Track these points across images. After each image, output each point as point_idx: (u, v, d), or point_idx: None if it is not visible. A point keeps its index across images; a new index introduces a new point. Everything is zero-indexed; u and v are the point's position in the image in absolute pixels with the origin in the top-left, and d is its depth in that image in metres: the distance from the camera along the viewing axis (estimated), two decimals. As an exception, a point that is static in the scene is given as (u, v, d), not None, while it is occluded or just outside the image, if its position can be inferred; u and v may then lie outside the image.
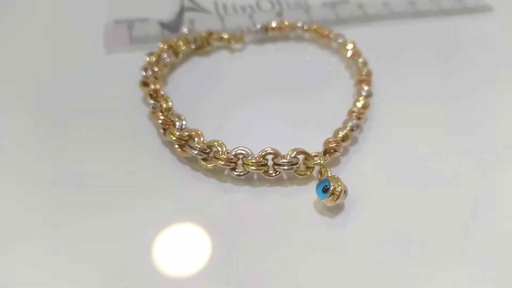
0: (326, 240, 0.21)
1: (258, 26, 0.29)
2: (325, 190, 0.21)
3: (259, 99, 0.27)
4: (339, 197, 0.21)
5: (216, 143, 0.23)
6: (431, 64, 0.29)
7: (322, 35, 0.29)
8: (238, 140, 0.23)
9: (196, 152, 0.22)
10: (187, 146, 0.23)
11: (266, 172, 0.22)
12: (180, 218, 0.22)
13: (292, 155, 0.22)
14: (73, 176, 0.23)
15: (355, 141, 0.25)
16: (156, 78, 0.26)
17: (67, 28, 0.30)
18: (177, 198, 0.22)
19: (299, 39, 0.30)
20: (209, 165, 0.22)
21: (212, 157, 0.22)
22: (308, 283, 0.20)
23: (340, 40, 0.29)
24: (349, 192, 0.22)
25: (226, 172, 0.23)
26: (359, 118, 0.24)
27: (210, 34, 0.28)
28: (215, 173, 0.23)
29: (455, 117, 0.26)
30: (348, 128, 0.24)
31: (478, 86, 0.28)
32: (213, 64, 0.29)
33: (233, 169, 0.22)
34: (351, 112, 0.25)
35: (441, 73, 0.28)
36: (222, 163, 0.22)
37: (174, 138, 0.23)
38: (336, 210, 0.22)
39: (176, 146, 0.23)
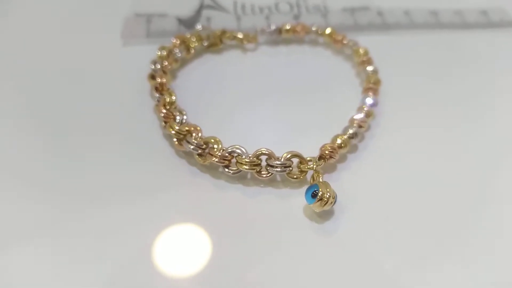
0: (312, 246, 0.21)
1: (272, 28, 0.29)
2: (314, 195, 0.21)
3: (265, 100, 0.27)
4: (327, 203, 0.21)
5: (212, 140, 0.23)
6: (445, 78, 0.28)
7: (335, 40, 0.29)
8: (238, 139, 0.23)
9: (192, 147, 0.23)
10: (184, 141, 0.23)
11: (259, 172, 0.22)
12: (172, 214, 0.22)
13: (286, 157, 0.22)
14: (72, 171, 0.23)
15: (355, 148, 0.25)
16: (164, 72, 0.26)
17: (84, 18, 0.31)
18: (171, 193, 0.22)
19: (314, 43, 0.30)
20: (203, 161, 0.23)
21: (207, 153, 0.23)
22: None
23: (353, 47, 0.29)
24: (340, 200, 0.22)
25: (220, 169, 0.23)
26: (360, 127, 0.24)
27: (223, 32, 0.29)
28: (210, 169, 0.23)
29: (460, 135, 0.25)
30: (347, 135, 0.24)
31: (495, 106, 0.27)
32: (225, 62, 0.29)
33: (227, 166, 0.23)
34: (352, 120, 0.24)
35: (454, 88, 0.28)
36: (216, 160, 0.22)
37: (173, 131, 0.23)
38: (325, 216, 0.22)
39: (175, 139, 0.23)
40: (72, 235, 0.21)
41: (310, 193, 0.21)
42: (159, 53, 0.27)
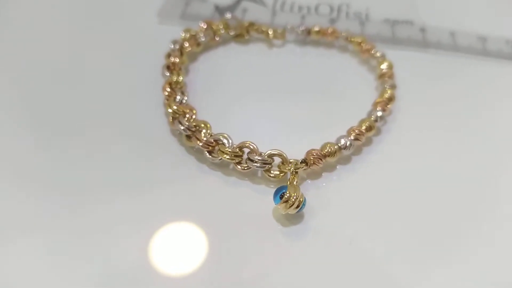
0: (278, 247, 0.21)
1: (301, 27, 0.29)
2: (281, 196, 0.21)
3: (277, 96, 0.27)
4: (291, 206, 0.21)
5: (203, 124, 0.23)
6: (466, 108, 0.27)
7: (363, 49, 0.28)
8: (238, 129, 0.24)
9: (182, 128, 0.23)
10: (176, 120, 0.24)
11: (239, 163, 0.22)
12: (178, 210, 0.22)
13: (268, 154, 0.22)
14: (74, 165, 0.23)
15: (348, 159, 0.24)
16: (181, 53, 0.27)
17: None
18: (167, 190, 0.23)
19: (343, 49, 0.29)
20: (189, 144, 0.23)
21: (194, 137, 0.23)
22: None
23: (379, 58, 0.28)
24: (313, 208, 0.22)
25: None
26: (356, 139, 0.23)
27: (251, 24, 0.29)
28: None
29: (459, 167, 0.24)
30: (338, 145, 0.23)
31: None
32: (248, 54, 0.29)
33: (210, 152, 0.23)
34: (350, 130, 0.24)
35: (472, 119, 0.26)
36: (200, 144, 0.23)
37: (170, 110, 0.24)
38: (294, 219, 0.22)
39: (170, 118, 0.24)
40: (71, 230, 0.21)
41: (278, 193, 0.21)
42: (183, 35, 0.28)
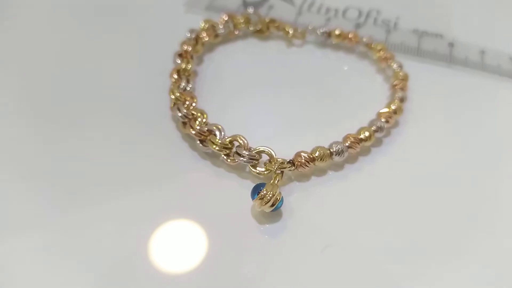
0: (251, 243, 0.21)
1: (322, 29, 0.29)
2: (258, 192, 0.21)
3: (287, 95, 0.27)
4: (266, 203, 0.20)
5: (200, 113, 0.24)
6: (479, 128, 0.25)
7: (381, 57, 0.27)
8: (241, 127, 0.24)
9: (180, 114, 0.24)
10: (175, 107, 0.24)
11: (227, 156, 0.23)
12: (165, 201, 0.22)
13: (256, 151, 0.22)
14: (70, 158, 0.23)
15: (340, 166, 0.24)
16: (196, 42, 0.27)
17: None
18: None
19: (363, 56, 0.29)
20: (184, 131, 0.24)
21: (189, 124, 0.23)
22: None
23: (395, 68, 0.27)
24: (293, 209, 0.21)
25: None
26: (350, 147, 0.23)
27: (271, 20, 0.29)
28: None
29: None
30: (330, 150, 0.23)
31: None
32: (266, 50, 0.29)
33: (202, 142, 0.23)
34: (346, 137, 0.23)
35: (482, 145, 0.25)
36: (194, 132, 0.23)
37: (172, 96, 0.24)
38: (271, 217, 0.22)
39: (171, 104, 0.24)
40: (68, 227, 0.21)
41: (256, 190, 0.21)
42: (202, 25, 0.28)
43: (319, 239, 0.21)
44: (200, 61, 0.28)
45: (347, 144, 0.23)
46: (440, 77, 0.28)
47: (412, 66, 0.28)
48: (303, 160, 0.22)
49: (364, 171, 0.23)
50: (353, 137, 0.23)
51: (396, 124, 0.25)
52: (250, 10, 0.29)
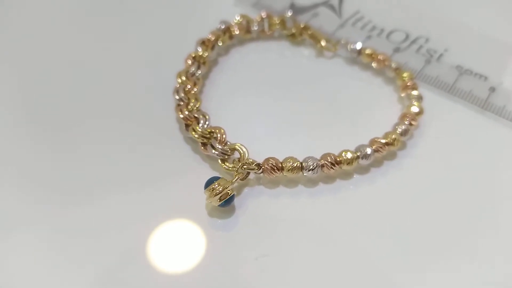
0: (201, 238, 0.21)
1: (353, 46, 0.28)
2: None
3: (297, 103, 0.26)
4: (215, 196, 0.21)
5: (194, 100, 0.24)
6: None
7: (404, 85, 0.26)
8: (240, 127, 0.24)
9: (178, 98, 0.25)
10: (176, 92, 0.25)
11: (204, 146, 0.23)
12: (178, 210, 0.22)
13: (230, 147, 0.23)
14: (71, 160, 0.23)
15: (312, 182, 0.23)
16: (224, 33, 0.28)
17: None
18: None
19: (391, 81, 0.27)
20: (177, 114, 0.24)
21: (183, 107, 0.24)
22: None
23: (413, 98, 0.25)
24: (247, 212, 0.22)
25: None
26: (323, 166, 0.22)
27: (306, 27, 0.29)
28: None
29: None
30: (301, 164, 0.22)
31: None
32: (294, 55, 0.29)
33: (187, 126, 0.24)
34: (325, 155, 0.23)
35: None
36: (182, 116, 0.24)
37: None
38: (223, 214, 0.22)
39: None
40: (66, 226, 0.21)
41: (210, 182, 0.21)
42: (237, 19, 0.29)
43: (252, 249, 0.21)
44: (227, 52, 0.29)
45: (321, 162, 0.22)
46: (469, 120, 0.26)
47: (435, 102, 0.26)
48: (269, 167, 0.22)
49: (341, 191, 0.23)
50: (342, 159, 0.22)
51: (393, 155, 0.24)
52: (288, 13, 0.29)
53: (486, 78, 0.27)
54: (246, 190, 0.23)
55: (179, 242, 0.21)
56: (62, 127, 0.25)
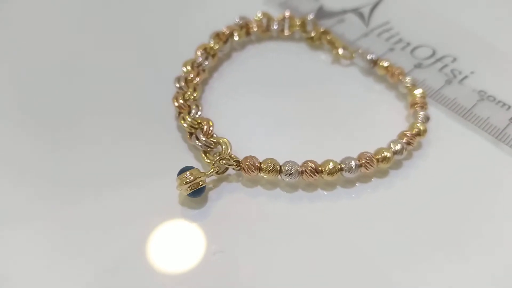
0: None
1: (370, 56, 0.27)
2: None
3: (309, 111, 0.26)
4: (184, 184, 0.21)
5: (191, 91, 0.24)
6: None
7: (413, 102, 0.25)
8: (248, 132, 0.24)
9: (178, 86, 0.25)
10: (176, 82, 0.25)
11: (190, 135, 0.23)
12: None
13: (214, 140, 0.22)
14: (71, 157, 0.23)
15: (291, 187, 0.22)
16: (241, 28, 0.28)
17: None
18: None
19: (403, 97, 0.26)
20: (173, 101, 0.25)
21: (180, 95, 0.24)
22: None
23: (420, 117, 0.24)
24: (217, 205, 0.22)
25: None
26: (303, 172, 0.22)
27: (325, 31, 0.28)
28: None
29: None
30: (280, 167, 0.22)
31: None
32: (310, 59, 0.28)
33: (179, 114, 0.24)
34: (306, 164, 0.22)
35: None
36: (177, 104, 0.24)
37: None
38: (197, 205, 0.22)
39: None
40: (67, 223, 0.21)
41: (183, 170, 0.21)
42: (258, 16, 0.29)
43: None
44: (242, 47, 0.29)
45: (301, 169, 0.22)
46: (480, 149, 0.24)
47: (448, 125, 0.25)
48: (247, 165, 0.22)
49: (320, 201, 0.22)
50: (326, 168, 0.22)
51: (384, 173, 0.23)
52: (310, 16, 0.29)
53: (509, 107, 0.25)
54: (223, 184, 0.22)
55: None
56: (60, 124, 0.24)
